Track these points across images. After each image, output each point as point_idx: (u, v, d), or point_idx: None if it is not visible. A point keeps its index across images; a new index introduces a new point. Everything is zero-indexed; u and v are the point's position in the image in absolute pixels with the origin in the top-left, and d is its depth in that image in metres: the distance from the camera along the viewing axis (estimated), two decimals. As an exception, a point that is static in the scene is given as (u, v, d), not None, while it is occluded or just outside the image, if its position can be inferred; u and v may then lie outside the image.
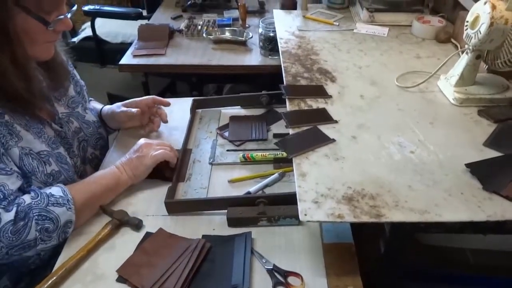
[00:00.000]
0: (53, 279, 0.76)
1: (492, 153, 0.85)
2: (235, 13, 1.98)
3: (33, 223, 0.78)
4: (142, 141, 1.01)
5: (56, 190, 0.84)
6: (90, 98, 1.25)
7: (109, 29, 2.29)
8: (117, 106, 1.17)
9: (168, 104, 1.19)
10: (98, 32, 2.22)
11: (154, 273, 0.77)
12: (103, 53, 2.28)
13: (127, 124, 1.18)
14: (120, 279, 0.77)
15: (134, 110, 1.11)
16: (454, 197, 0.75)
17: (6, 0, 0.75)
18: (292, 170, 0.84)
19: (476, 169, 0.80)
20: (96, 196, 0.90)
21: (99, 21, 2.23)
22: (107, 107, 1.21)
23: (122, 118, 1.16)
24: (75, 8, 0.91)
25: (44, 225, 0.79)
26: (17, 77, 0.81)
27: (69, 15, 0.86)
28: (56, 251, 0.89)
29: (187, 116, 1.20)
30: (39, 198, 0.81)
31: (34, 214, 0.79)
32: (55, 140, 0.94)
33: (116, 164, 0.96)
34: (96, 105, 1.24)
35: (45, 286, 0.75)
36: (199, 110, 1.25)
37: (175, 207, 0.90)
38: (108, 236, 0.86)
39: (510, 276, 1.17)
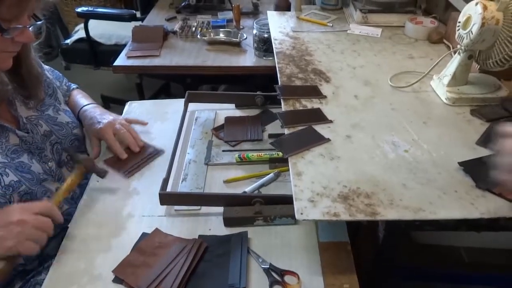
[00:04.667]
0: None
1: (485, 152, 0.86)
2: (229, 15, 1.98)
3: None
4: (16, 216, 0.77)
5: None
6: (73, 86, 1.21)
7: (102, 30, 2.28)
8: (98, 122, 1.08)
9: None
10: (91, 33, 2.21)
11: (150, 274, 0.77)
12: (97, 54, 2.28)
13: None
14: (116, 280, 0.77)
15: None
16: (448, 195, 0.75)
17: None
18: (288, 170, 0.84)
19: (469, 167, 0.81)
20: None
21: (92, 23, 2.22)
22: (88, 112, 1.12)
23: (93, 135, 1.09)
24: (40, 23, 0.84)
25: None
26: None
27: (31, 28, 0.81)
28: (48, 254, 0.88)
29: (182, 117, 1.19)
30: None
31: None
32: (17, 148, 0.90)
33: None
34: (80, 100, 1.16)
35: None
36: (195, 111, 1.25)
37: (169, 199, 0.90)
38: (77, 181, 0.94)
39: (504, 273, 1.19)
